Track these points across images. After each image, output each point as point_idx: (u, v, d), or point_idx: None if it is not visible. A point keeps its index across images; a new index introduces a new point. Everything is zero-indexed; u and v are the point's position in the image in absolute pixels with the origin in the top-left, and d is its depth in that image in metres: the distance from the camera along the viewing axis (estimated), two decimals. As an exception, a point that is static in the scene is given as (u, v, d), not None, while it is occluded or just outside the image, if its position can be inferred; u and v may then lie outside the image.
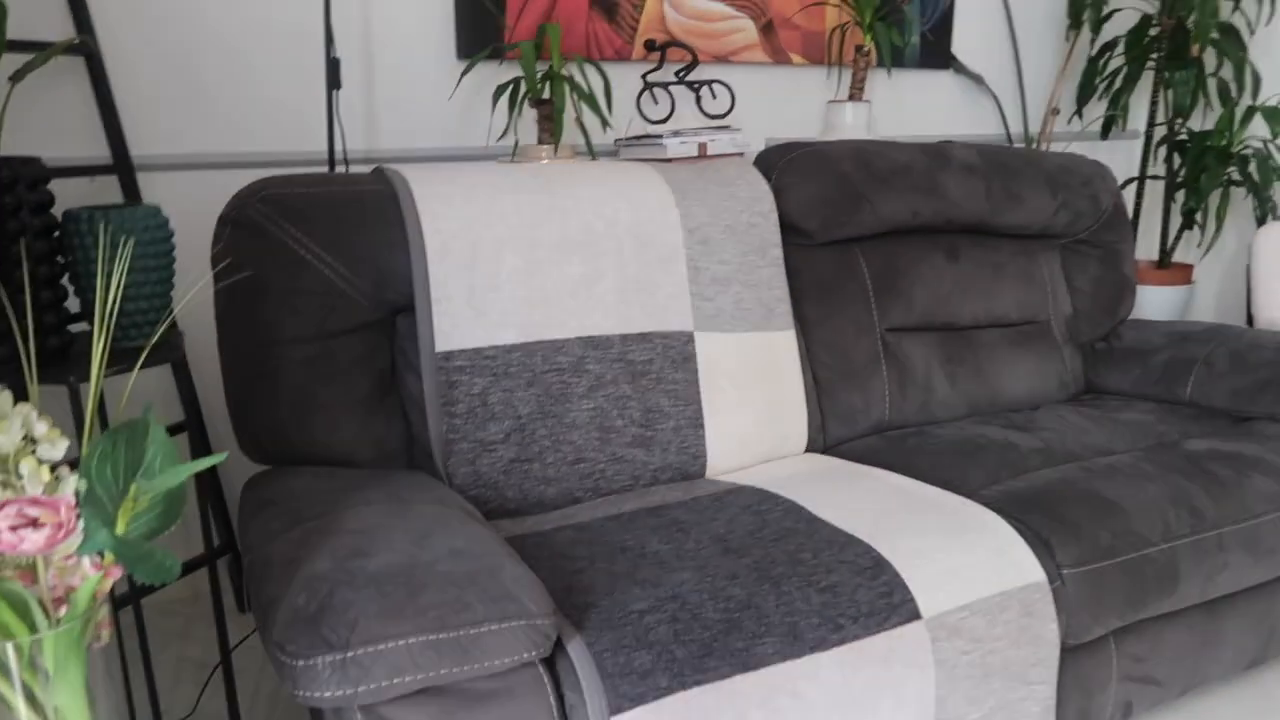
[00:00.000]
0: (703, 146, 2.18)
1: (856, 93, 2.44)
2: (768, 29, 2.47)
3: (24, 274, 1.15)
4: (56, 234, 1.29)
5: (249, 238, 1.41)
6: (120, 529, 0.65)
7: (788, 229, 1.86)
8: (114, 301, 1.18)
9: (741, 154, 2.24)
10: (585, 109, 2.23)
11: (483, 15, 2.14)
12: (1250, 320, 2.39)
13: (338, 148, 2.06)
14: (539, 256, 1.55)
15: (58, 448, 0.68)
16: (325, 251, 1.42)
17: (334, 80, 1.78)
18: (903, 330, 1.94)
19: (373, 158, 2.12)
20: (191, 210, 1.97)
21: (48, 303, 1.25)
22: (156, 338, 1.32)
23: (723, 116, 2.33)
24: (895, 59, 2.64)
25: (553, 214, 1.57)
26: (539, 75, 2.02)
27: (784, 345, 1.76)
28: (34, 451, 0.68)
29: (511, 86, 2.02)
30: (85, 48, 1.79)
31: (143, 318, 1.33)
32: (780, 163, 1.88)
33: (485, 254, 1.51)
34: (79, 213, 1.27)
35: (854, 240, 1.93)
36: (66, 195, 1.87)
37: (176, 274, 1.95)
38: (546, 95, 2.06)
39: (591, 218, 1.60)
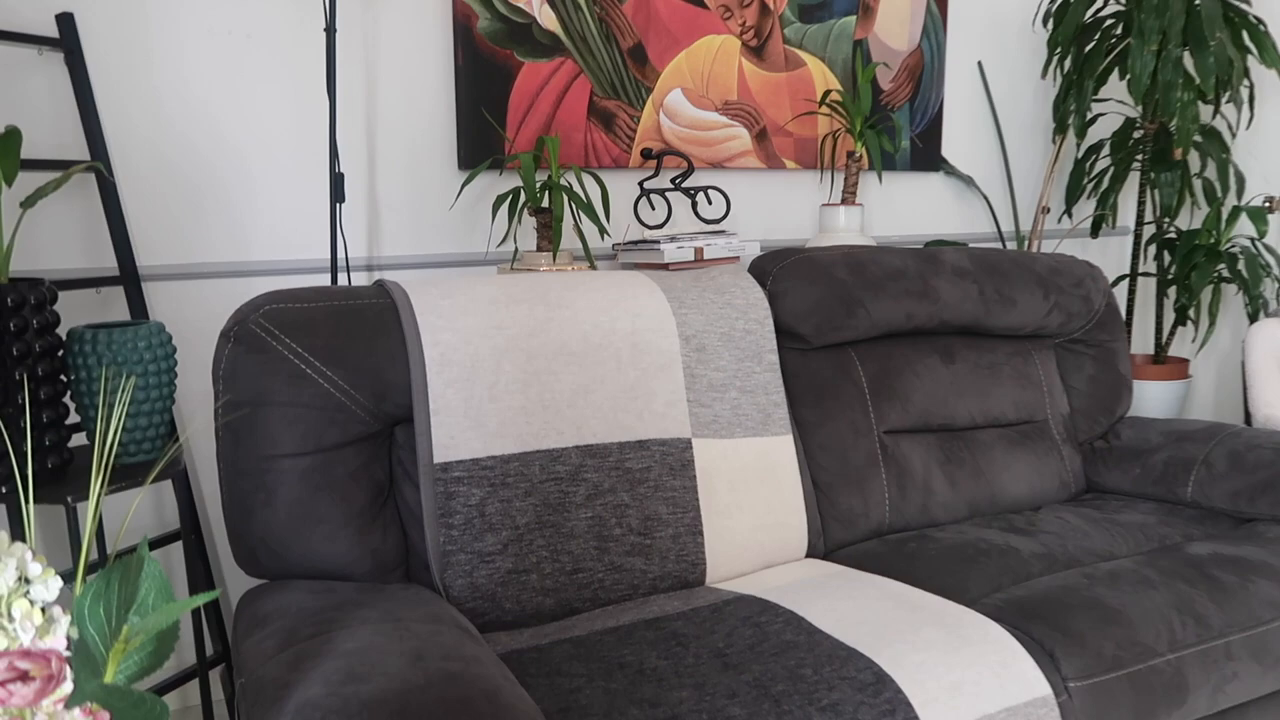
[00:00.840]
0: (699, 251, 2.23)
1: (849, 196, 2.50)
2: (761, 136, 2.54)
3: (25, 396, 1.17)
4: (60, 353, 1.31)
5: (250, 353, 1.43)
6: (110, 674, 0.64)
7: (783, 334, 1.89)
8: (115, 432, 1.20)
9: (738, 258, 2.28)
10: (583, 217, 2.29)
11: (484, 127, 2.21)
12: (1248, 417, 2.39)
13: (340, 256, 2.10)
14: (537, 366, 1.57)
15: (51, 589, 0.68)
16: (326, 365, 1.44)
17: (338, 194, 1.83)
18: (900, 432, 1.95)
19: (375, 264, 2.16)
20: (196, 319, 2.00)
21: (49, 421, 1.26)
22: (157, 457, 1.33)
23: (718, 221, 2.39)
24: (886, 163, 2.71)
25: (550, 324, 1.60)
26: (538, 185, 2.07)
27: (782, 450, 1.77)
28: (27, 593, 0.68)
29: (511, 196, 2.08)
30: (96, 167, 1.84)
31: (142, 434, 1.34)
32: (775, 269, 1.91)
33: (484, 365, 1.53)
34: (82, 332, 1.29)
35: (849, 344, 1.95)
36: (72, 305, 1.90)
37: (181, 383, 1.97)
38: (546, 204, 2.11)
39: (589, 327, 1.62)
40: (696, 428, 1.68)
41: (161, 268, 1.96)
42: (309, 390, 1.43)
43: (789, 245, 2.63)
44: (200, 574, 1.97)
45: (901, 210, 2.79)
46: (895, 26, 2.69)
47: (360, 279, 2.15)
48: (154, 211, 1.95)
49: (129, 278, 1.89)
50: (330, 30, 1.79)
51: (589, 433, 1.59)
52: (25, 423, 1.19)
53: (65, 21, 1.82)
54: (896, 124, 2.70)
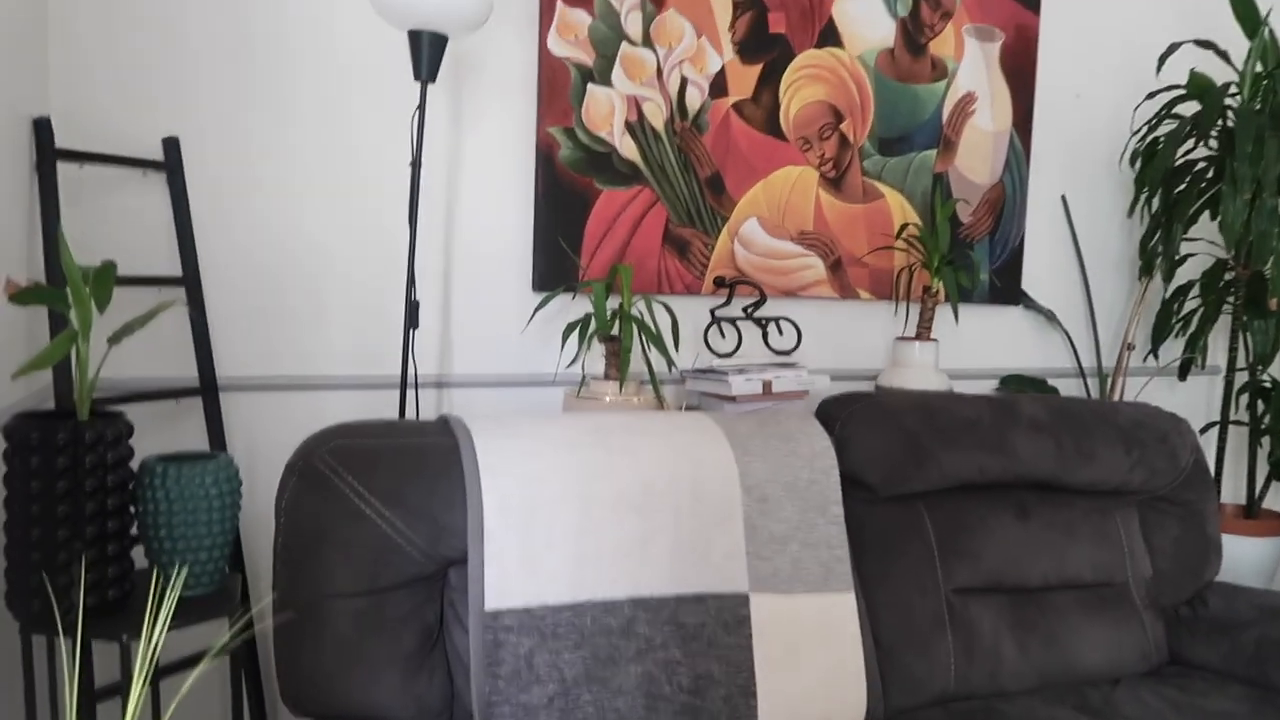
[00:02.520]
0: (767, 384, 2.21)
1: (924, 331, 2.46)
2: (836, 266, 2.53)
3: (92, 531, 1.19)
4: (130, 485, 1.34)
5: (312, 489, 1.44)
6: None
7: (850, 482, 1.84)
8: (176, 587, 1.21)
9: (806, 392, 2.25)
10: (651, 347, 2.28)
11: (560, 251, 2.25)
12: (1350, 589, 2.23)
13: (411, 375, 2.14)
14: (594, 514, 1.55)
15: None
16: (385, 506, 1.44)
17: (413, 320, 1.87)
18: (969, 591, 1.86)
19: (446, 381, 2.19)
20: (270, 430, 2.04)
21: (113, 554, 1.28)
22: (216, 590, 1.34)
23: (789, 353, 2.36)
24: (963, 295, 2.66)
25: (610, 470, 1.58)
26: (609, 313, 2.08)
27: (843, 608, 1.70)
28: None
29: (582, 322, 2.09)
30: (186, 281, 1.92)
31: (202, 568, 1.35)
32: (842, 415, 1.87)
33: (541, 511, 1.52)
34: (154, 465, 1.32)
35: (918, 496, 1.89)
36: (151, 413, 1.95)
37: (251, 496, 2.01)
38: (616, 332, 2.12)
39: (650, 474, 1.60)
40: (755, 582, 1.63)
41: (240, 379, 2.01)
42: (366, 530, 1.44)
43: (860, 376, 2.59)
44: (253, 705, 1.97)
45: (978, 343, 2.73)
46: (976, 161, 2.67)
47: (430, 395, 2.17)
48: (237, 323, 2.01)
49: (208, 389, 1.95)
50: (416, 165, 1.85)
51: (644, 584, 1.56)
52: (85, 559, 1.21)
53: (170, 145, 1.92)
54: (975, 261, 2.67)
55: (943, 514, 1.89)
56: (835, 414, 1.89)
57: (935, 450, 1.86)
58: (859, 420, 1.86)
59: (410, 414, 2.12)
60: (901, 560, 1.81)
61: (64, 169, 1.85)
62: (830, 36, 2.47)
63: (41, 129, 1.73)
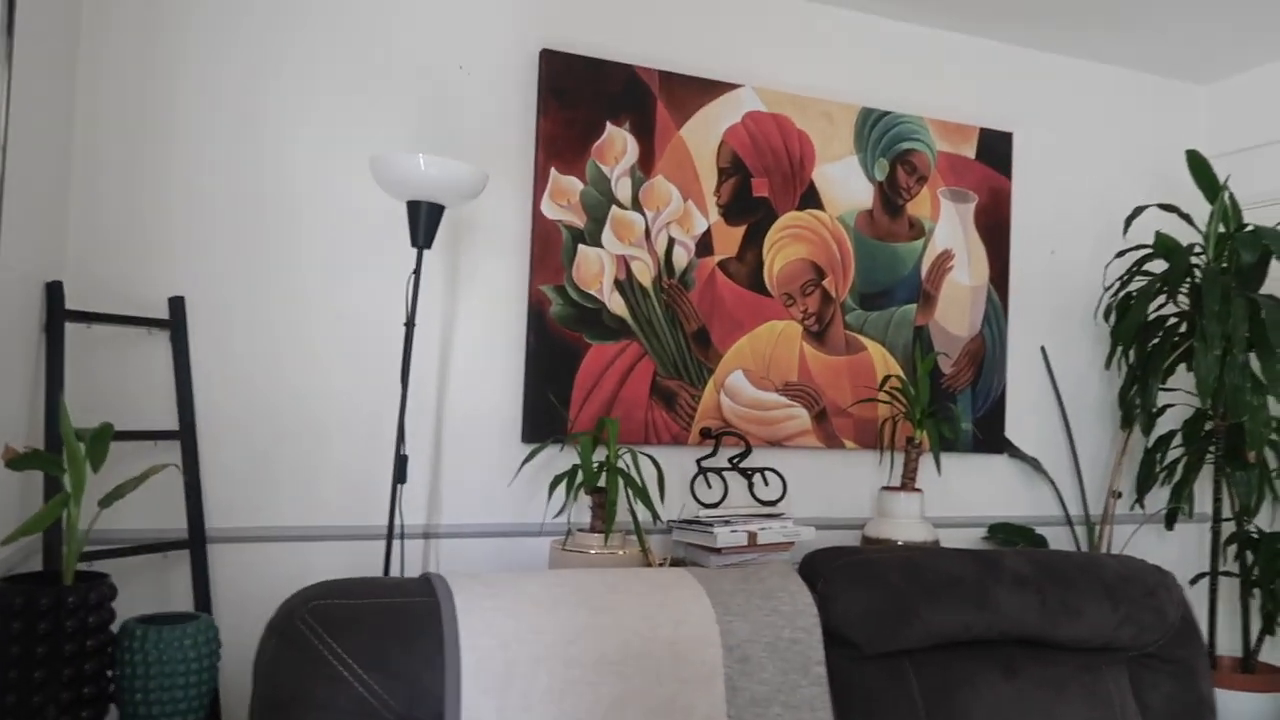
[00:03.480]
0: (752, 535, 2.22)
1: (909, 481, 2.49)
2: (821, 417, 2.58)
3: (65, 694, 1.19)
4: (110, 648, 1.35)
5: (290, 649, 1.44)
6: None
7: (834, 639, 1.83)
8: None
9: (792, 543, 2.26)
10: (636, 499, 2.31)
11: (550, 403, 2.30)
12: (1352, 751, 2.18)
13: (398, 526, 2.16)
14: (573, 676, 1.54)
15: None
16: (364, 670, 1.45)
17: (400, 475, 1.90)
18: (958, 755, 1.83)
19: (434, 531, 2.21)
20: (258, 581, 2.05)
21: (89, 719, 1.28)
22: (186, 752, 1.32)
23: (774, 503, 2.39)
24: (947, 445, 2.70)
25: (590, 631, 1.58)
26: (595, 465, 2.12)
27: (828, 773, 1.67)
28: None
29: (569, 474, 2.12)
30: (182, 434, 1.96)
31: (176, 732, 1.34)
32: (826, 571, 1.88)
33: (520, 673, 1.51)
34: (134, 628, 1.33)
35: (904, 654, 1.88)
36: (137, 567, 1.97)
37: (235, 651, 2.00)
38: (602, 484, 2.15)
39: (630, 635, 1.60)
40: (736, 747, 1.61)
41: (230, 530, 2.04)
42: (344, 693, 1.43)
43: (846, 526, 2.60)
44: None
45: (963, 492, 2.75)
46: (956, 314, 2.76)
47: (418, 546, 2.19)
48: (230, 475, 2.05)
49: (196, 542, 1.96)
50: (410, 326, 1.92)
51: (623, 749, 1.53)
52: (63, 726, 1.21)
53: (175, 304, 2.00)
54: (957, 413, 2.72)
55: (929, 673, 1.87)
56: (819, 570, 1.90)
57: (920, 608, 1.86)
58: (842, 577, 1.87)
59: (396, 565, 2.13)
60: (887, 722, 1.78)
61: (72, 328, 1.93)
62: (811, 199, 2.60)
63: (54, 292, 1.82)
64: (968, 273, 2.79)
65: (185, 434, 1.98)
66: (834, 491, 2.60)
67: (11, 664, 1.24)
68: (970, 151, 2.79)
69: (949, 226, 2.77)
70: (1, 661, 1.24)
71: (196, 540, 1.96)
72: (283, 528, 2.07)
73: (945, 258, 2.76)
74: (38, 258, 1.79)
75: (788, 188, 2.58)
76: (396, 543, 2.12)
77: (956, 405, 2.74)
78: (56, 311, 1.81)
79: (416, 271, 1.91)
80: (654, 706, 1.57)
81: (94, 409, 1.95)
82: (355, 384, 2.15)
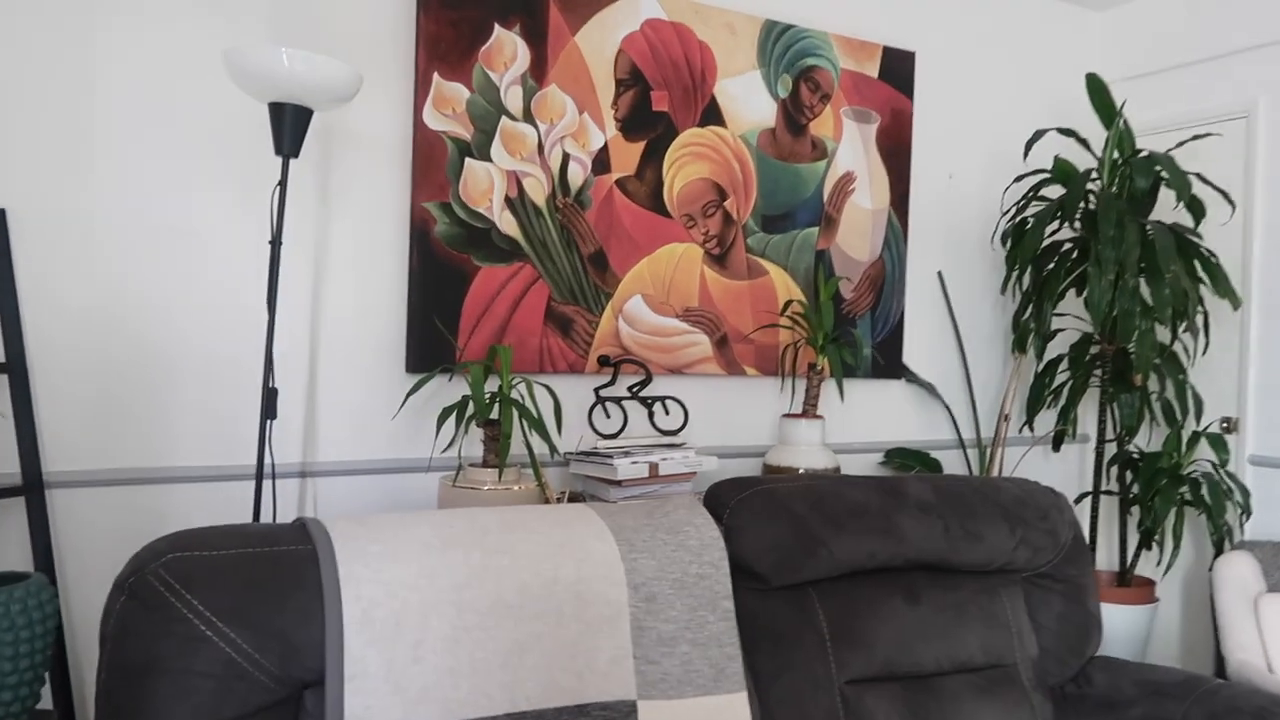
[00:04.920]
0: (654, 467, 2.13)
1: (810, 408, 2.44)
2: (722, 343, 2.50)
3: None
4: (-80, 616, 1.15)
5: (143, 609, 1.27)
6: None
7: (740, 572, 1.77)
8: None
9: (694, 473, 2.18)
10: (532, 431, 2.19)
11: (436, 330, 2.14)
12: (1220, 659, 2.28)
13: (271, 466, 1.98)
14: (468, 622, 1.42)
15: None
16: (229, 626, 1.29)
17: (269, 410, 1.72)
18: (863, 682, 1.81)
19: (311, 469, 2.03)
20: (108, 532, 1.84)
21: (-108, 701, 1.09)
22: (20, 728, 1.16)
23: (676, 432, 2.30)
24: (847, 371, 2.67)
25: (486, 574, 1.46)
26: (487, 396, 1.98)
27: (736, 709, 1.61)
28: None
29: (459, 406, 1.98)
30: (9, 366, 1.72)
31: (6, 709, 1.17)
32: (731, 502, 1.81)
33: (409, 622, 1.39)
34: (-50, 594, 1.14)
35: (810, 584, 1.83)
36: (-33, 517, 1.74)
37: (85, 607, 1.79)
38: (495, 416, 2.01)
39: (528, 576, 1.49)
40: (643, 688, 1.53)
41: (72, 473, 1.81)
42: (206, 655, 1.28)
43: (748, 453, 2.55)
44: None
45: (863, 418, 2.74)
46: (856, 238, 2.70)
47: (293, 486, 2.01)
48: (70, 413, 1.82)
49: (32, 487, 1.74)
50: (275, 243, 1.72)
51: (522, 697, 1.43)
52: None
53: (-3, 217, 1.74)
54: (858, 338, 2.68)
55: (834, 602, 1.83)
56: (724, 502, 1.82)
57: (826, 537, 1.81)
58: (748, 508, 1.80)
59: (269, 508, 1.96)
60: (794, 654, 1.74)
61: None
62: (713, 115, 2.47)
63: None
64: (869, 195, 2.72)
65: (13, 366, 1.74)
66: (736, 420, 2.54)
67: None
68: (874, 70, 2.71)
69: (851, 148, 2.69)
70: None
71: (31, 485, 1.74)
72: (134, 469, 1.86)
73: (847, 180, 2.69)
74: None
75: (689, 102, 2.44)
76: (267, 484, 1.94)
77: (857, 330, 2.70)
78: None
79: (282, 183, 1.70)
80: (556, 650, 1.47)
81: (-100, 339, 1.69)
82: (213, 310, 1.93)
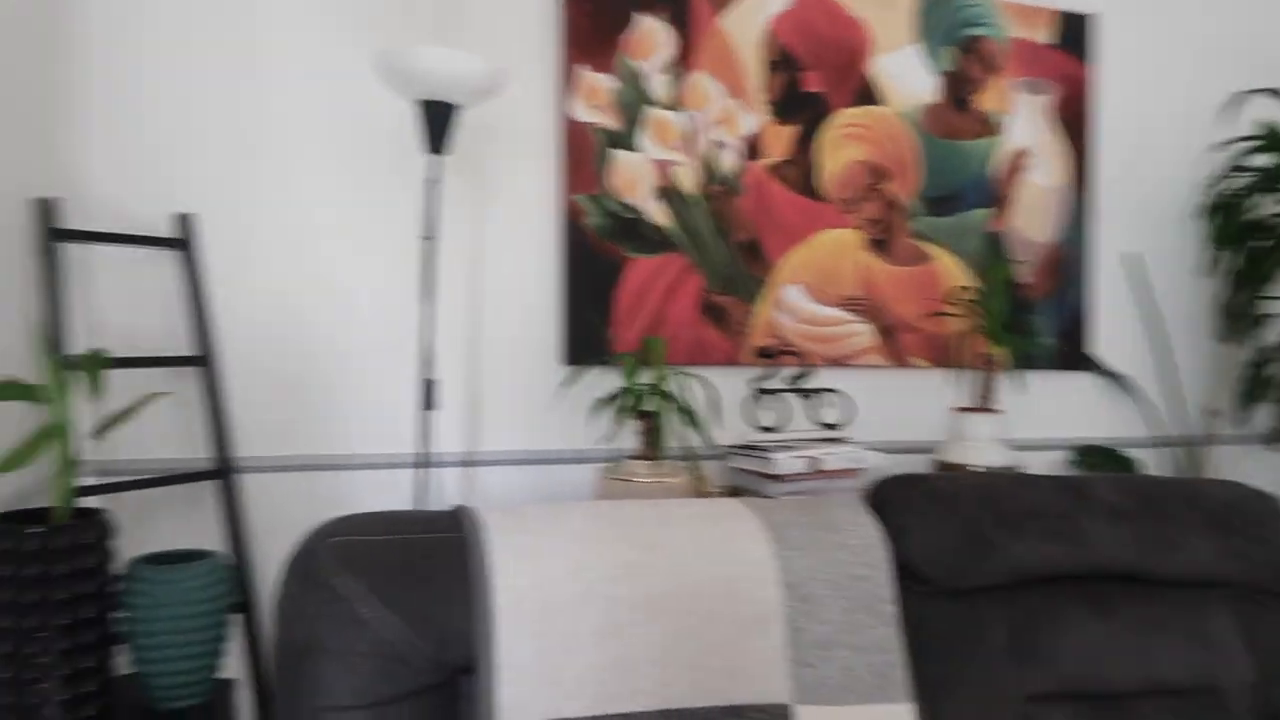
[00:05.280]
0: (814, 462, 2.05)
1: (984, 402, 2.28)
2: (887, 333, 2.38)
3: (61, 643, 1.07)
4: (116, 587, 1.23)
5: (311, 589, 1.32)
6: None
7: (906, 575, 1.66)
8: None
9: (858, 469, 2.08)
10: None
11: (590, 322, 2.13)
12: None
13: (435, 450, 2.03)
14: (619, 618, 1.40)
15: None
16: (388, 610, 1.32)
17: (429, 401, 1.76)
18: (1047, 698, 1.66)
19: (475, 459, 2.07)
20: (291, 512, 1.94)
21: (89, 669, 1.17)
22: (203, 702, 1.21)
23: (838, 426, 2.21)
24: (1025, 362, 2.48)
25: (637, 568, 1.43)
26: (641, 388, 1.96)
27: (901, 720, 1.52)
28: None
29: (614, 398, 1.96)
30: (202, 360, 1.84)
31: (187, 678, 1.23)
32: (897, 500, 1.71)
33: (560, 614, 1.37)
34: (135, 569, 1.21)
35: (983, 590, 1.70)
36: (166, 499, 1.87)
37: (267, 581, 1.90)
38: (649, 408, 1.99)
39: (679, 572, 1.45)
40: (799, 692, 1.46)
41: (258, 459, 1.92)
42: (367, 637, 1.31)
43: (917, 450, 2.42)
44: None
45: (1044, 412, 2.54)
46: (1033, 218, 2.51)
47: (457, 475, 2.06)
48: (254, 404, 1.93)
49: (225, 472, 1.85)
50: (428, 239, 1.76)
51: (674, 696, 1.40)
52: (56, 674, 1.10)
53: (184, 222, 1.86)
54: (1036, 326, 2.49)
55: (1012, 611, 1.70)
56: (889, 499, 1.72)
57: (1000, 540, 1.68)
58: (914, 508, 1.69)
59: (434, 495, 2.01)
60: (968, 665, 1.62)
61: (75, 250, 1.80)
62: (869, 94, 2.35)
63: (43, 210, 1.68)
64: (1046, 171, 2.53)
65: (205, 360, 1.85)
66: (903, 413, 2.41)
67: (2, 612, 1.13)
68: (1047, 37, 2.51)
69: (1023, 121, 2.50)
70: (-11, 608, 1.13)
71: (223, 470, 1.85)
72: (312, 456, 1.95)
73: (1020, 156, 2.50)
74: (20, 172, 1.65)
75: (842, 82, 2.34)
76: (430, 472, 1.99)
77: (1035, 318, 2.51)
78: (47, 231, 1.67)
79: (432, 180, 1.73)
80: (708, 649, 1.43)
81: (104, 337, 1.83)
82: (379, 305, 2.00)
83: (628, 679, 1.38)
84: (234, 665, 1.86)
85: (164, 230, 1.87)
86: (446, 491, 2.05)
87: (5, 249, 1.59)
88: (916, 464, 2.42)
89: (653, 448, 1.94)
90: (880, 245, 2.38)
